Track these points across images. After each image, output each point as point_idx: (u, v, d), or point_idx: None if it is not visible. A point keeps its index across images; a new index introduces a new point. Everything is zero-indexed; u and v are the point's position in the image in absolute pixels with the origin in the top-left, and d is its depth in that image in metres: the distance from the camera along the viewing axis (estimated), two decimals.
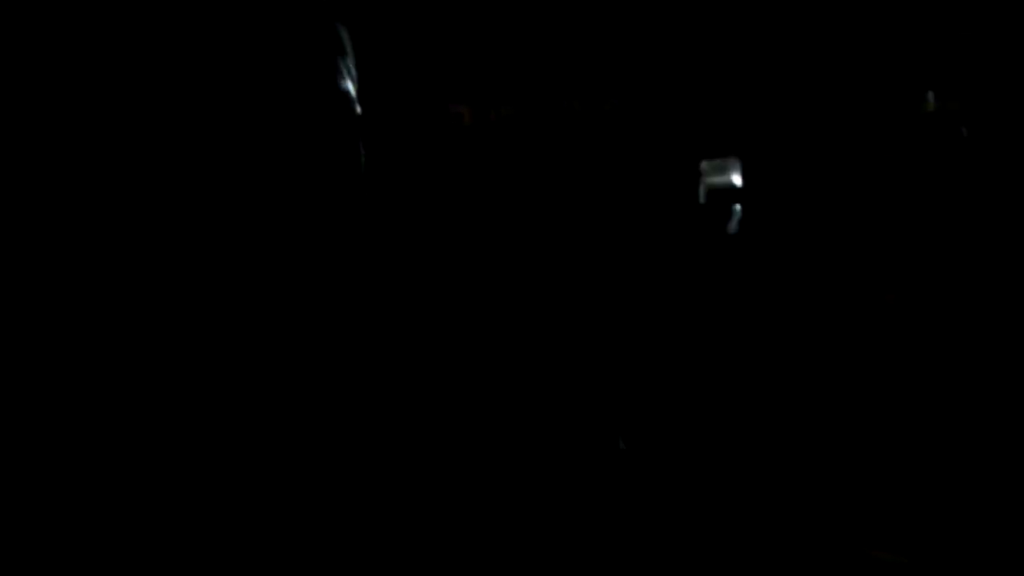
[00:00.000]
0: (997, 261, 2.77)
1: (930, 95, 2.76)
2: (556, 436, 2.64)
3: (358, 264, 2.68)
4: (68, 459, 2.48)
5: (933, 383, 2.71)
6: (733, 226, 2.76)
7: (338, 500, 2.53)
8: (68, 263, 2.54)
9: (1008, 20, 2.74)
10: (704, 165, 2.75)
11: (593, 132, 2.77)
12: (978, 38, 2.77)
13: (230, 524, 2.50)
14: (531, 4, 2.78)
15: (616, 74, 2.78)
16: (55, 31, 2.57)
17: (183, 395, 2.54)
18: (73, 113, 2.56)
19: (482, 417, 2.64)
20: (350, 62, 2.70)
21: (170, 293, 2.56)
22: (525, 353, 2.69)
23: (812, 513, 2.53)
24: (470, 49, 2.76)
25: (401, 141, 2.75)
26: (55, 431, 2.49)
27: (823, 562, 2.47)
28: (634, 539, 2.50)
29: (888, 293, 2.77)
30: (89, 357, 2.53)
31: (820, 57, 2.79)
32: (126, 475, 2.49)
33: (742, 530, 2.50)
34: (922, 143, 2.77)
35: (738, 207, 2.76)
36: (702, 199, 2.75)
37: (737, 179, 2.75)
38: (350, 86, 2.70)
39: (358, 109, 2.70)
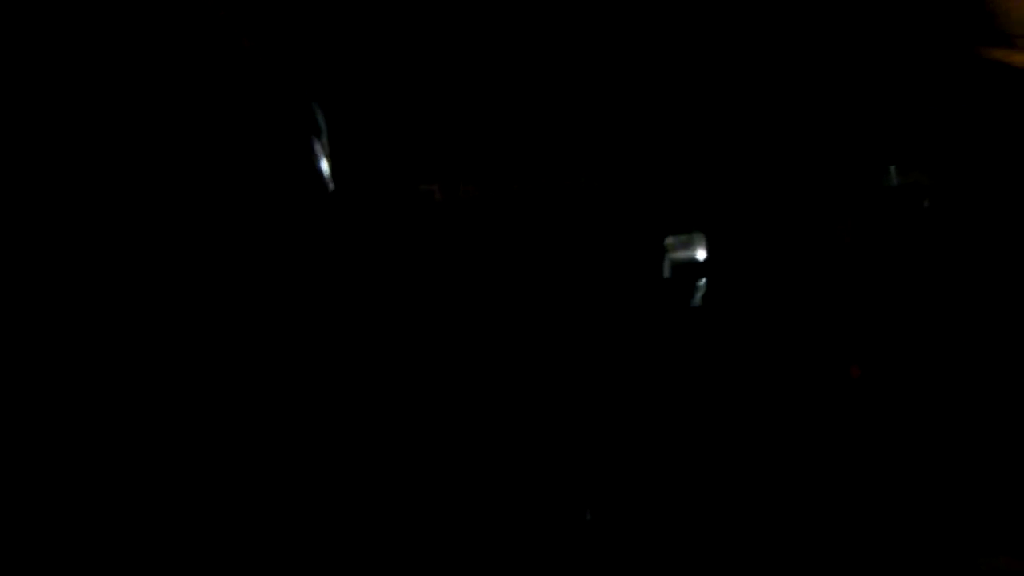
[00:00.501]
0: (962, 337, 2.78)
1: (892, 169, 2.79)
2: (519, 509, 2.67)
3: (328, 344, 2.73)
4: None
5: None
6: (697, 300, 2.80)
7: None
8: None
9: (967, 94, 2.77)
10: (669, 240, 2.79)
11: (562, 207, 2.82)
12: (940, 111, 2.80)
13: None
14: (503, 85, 2.84)
15: (584, 152, 2.83)
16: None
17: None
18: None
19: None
20: (324, 140, 2.77)
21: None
22: (490, 423, 2.72)
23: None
24: (441, 128, 2.83)
25: (374, 217, 2.80)
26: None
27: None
28: None
29: (852, 366, 2.79)
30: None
31: (785, 132, 2.83)
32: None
33: None
34: (884, 216, 2.79)
35: (703, 282, 2.79)
36: (667, 273, 2.79)
37: (702, 254, 2.79)
38: (324, 165, 2.77)
39: (332, 187, 2.77)
